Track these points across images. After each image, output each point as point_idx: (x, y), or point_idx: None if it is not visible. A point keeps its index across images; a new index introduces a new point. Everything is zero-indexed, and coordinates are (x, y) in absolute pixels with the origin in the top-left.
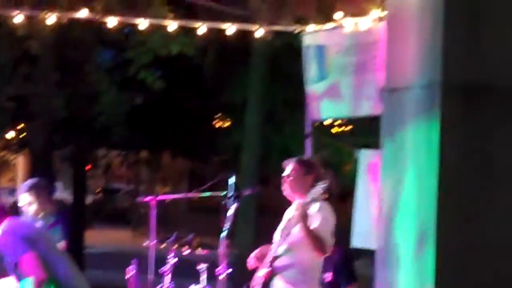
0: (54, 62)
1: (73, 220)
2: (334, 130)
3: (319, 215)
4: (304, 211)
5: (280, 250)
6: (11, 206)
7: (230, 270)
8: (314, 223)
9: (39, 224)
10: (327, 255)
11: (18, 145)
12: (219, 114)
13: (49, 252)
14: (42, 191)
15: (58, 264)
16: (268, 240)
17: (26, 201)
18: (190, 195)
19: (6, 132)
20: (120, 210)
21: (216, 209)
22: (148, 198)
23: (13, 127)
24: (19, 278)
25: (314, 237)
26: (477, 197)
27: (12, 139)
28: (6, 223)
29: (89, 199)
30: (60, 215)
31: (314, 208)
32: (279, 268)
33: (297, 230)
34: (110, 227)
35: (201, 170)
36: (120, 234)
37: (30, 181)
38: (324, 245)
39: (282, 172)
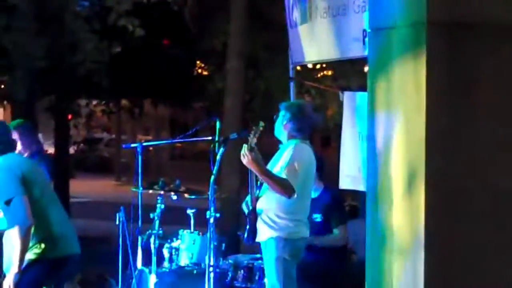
0: (33, 12)
1: (56, 170)
2: (316, 74)
3: (287, 157)
4: (251, 157)
5: (261, 193)
6: None
7: (218, 214)
8: (280, 164)
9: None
10: (294, 196)
11: None
12: (200, 60)
13: (44, 195)
14: (27, 131)
15: (51, 209)
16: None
17: None
18: (177, 141)
19: None
20: (103, 160)
21: (198, 155)
22: (134, 145)
23: None
24: (8, 219)
25: (272, 181)
26: (463, 133)
27: None
28: (4, 158)
29: (71, 149)
30: (43, 156)
31: (288, 150)
32: (260, 211)
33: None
34: (93, 177)
35: (182, 117)
36: (103, 183)
37: (15, 122)
38: (284, 187)
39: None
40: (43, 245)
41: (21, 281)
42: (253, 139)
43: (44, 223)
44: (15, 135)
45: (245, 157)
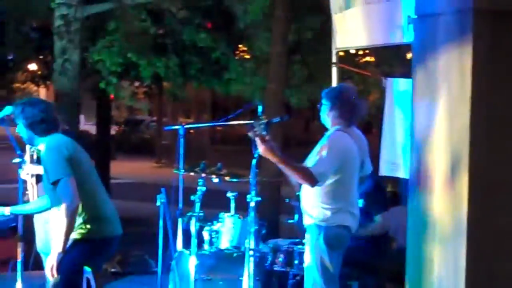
0: None
1: (98, 151)
2: (359, 60)
3: (319, 145)
4: (264, 147)
5: None
6: None
7: (259, 198)
8: (314, 153)
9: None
10: (317, 185)
11: (41, 77)
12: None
13: (90, 176)
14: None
15: (97, 189)
16: None
17: None
18: (219, 124)
19: (29, 64)
20: (144, 141)
21: (239, 139)
22: (176, 127)
23: (36, 59)
24: (52, 199)
25: (290, 169)
26: (508, 122)
27: (36, 70)
28: (51, 138)
29: (112, 131)
30: (73, 136)
31: (324, 138)
32: (300, 198)
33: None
34: (134, 158)
35: (223, 101)
36: (144, 165)
37: None
38: (303, 176)
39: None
40: (88, 226)
41: (64, 261)
42: (257, 131)
43: (91, 203)
44: None
45: (260, 147)
